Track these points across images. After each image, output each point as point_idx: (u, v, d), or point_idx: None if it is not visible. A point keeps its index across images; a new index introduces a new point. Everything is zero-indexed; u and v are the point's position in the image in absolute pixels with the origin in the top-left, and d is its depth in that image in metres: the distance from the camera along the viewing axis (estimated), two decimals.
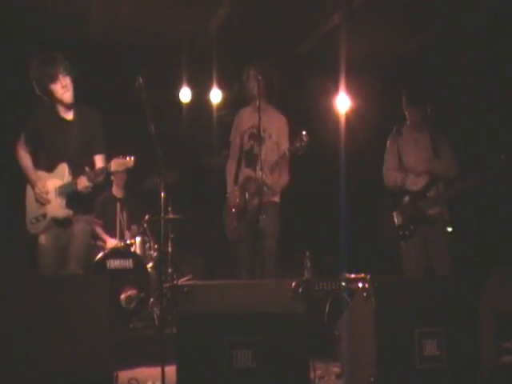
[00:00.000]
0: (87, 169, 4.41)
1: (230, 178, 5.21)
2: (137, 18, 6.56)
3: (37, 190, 4.44)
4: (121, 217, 6.59)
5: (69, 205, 4.46)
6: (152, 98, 4.08)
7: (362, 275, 4.39)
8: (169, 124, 6.93)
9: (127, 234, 6.61)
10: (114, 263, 5.95)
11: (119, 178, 6.87)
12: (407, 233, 4.95)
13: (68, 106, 4.53)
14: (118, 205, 6.52)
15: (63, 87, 4.40)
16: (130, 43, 7.06)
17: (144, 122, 4.07)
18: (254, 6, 6.31)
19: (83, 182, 4.35)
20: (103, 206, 6.74)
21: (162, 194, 4.22)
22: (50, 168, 4.51)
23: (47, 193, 4.44)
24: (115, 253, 6.04)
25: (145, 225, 6.45)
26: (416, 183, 5.01)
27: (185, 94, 7.27)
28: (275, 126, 5.03)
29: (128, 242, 6.31)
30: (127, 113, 6.89)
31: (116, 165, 4.34)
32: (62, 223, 4.48)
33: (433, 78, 6.45)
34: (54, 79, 4.37)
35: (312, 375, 3.40)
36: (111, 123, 4.68)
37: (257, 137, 4.79)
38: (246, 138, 5.13)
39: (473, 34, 6.23)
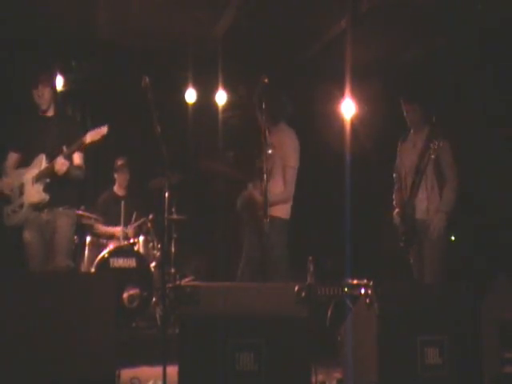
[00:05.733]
0: (64, 148, 4.51)
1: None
2: (143, 19, 6.56)
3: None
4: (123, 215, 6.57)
5: (46, 190, 4.56)
6: (158, 99, 4.10)
7: (365, 281, 4.39)
8: (174, 125, 6.94)
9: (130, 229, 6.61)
10: (118, 262, 5.97)
11: (122, 177, 6.88)
12: (403, 244, 4.94)
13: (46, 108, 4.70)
14: (123, 203, 6.51)
15: (39, 96, 4.61)
16: (136, 44, 7.07)
17: (149, 123, 4.08)
18: (260, 10, 6.31)
19: (60, 160, 4.45)
20: (105, 204, 6.75)
21: (167, 195, 4.23)
22: (28, 163, 4.63)
23: (12, 190, 4.57)
24: (118, 251, 6.05)
25: (148, 224, 6.46)
26: (408, 191, 4.97)
27: (190, 96, 7.28)
28: (282, 143, 5.01)
29: (131, 241, 6.32)
30: (133, 113, 6.93)
31: (91, 136, 4.48)
32: (40, 209, 4.56)
33: (438, 84, 6.46)
34: (34, 85, 4.60)
35: (313, 380, 3.40)
36: (117, 123, 4.71)
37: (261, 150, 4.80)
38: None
39: (477, 40, 6.24)
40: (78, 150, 4.58)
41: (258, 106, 4.81)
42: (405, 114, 5.06)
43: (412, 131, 5.12)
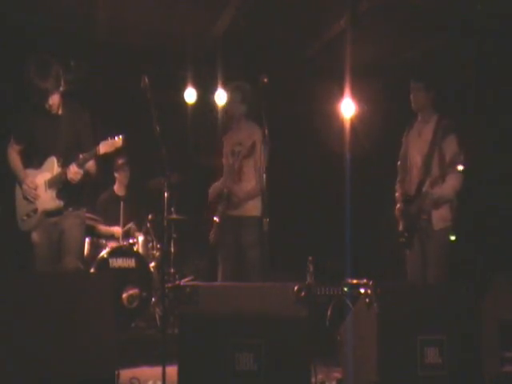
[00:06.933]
0: (81, 155, 4.40)
1: (212, 191, 5.47)
2: (143, 19, 6.57)
3: (25, 187, 4.45)
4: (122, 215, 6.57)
5: (60, 196, 4.47)
6: (157, 98, 4.10)
7: (365, 281, 4.38)
8: (173, 124, 6.93)
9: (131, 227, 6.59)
10: (117, 262, 5.96)
11: (123, 176, 6.87)
12: (404, 240, 4.85)
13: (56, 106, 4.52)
14: (122, 203, 6.50)
15: (50, 103, 4.39)
16: (135, 43, 7.07)
17: (149, 122, 4.08)
18: (259, 9, 6.32)
19: (73, 169, 4.34)
20: (105, 204, 6.74)
21: (166, 194, 4.23)
22: (39, 164, 4.51)
23: (36, 188, 4.45)
24: (118, 251, 6.04)
25: (148, 224, 6.45)
26: (413, 186, 4.86)
27: (190, 95, 7.27)
28: (251, 139, 5.13)
29: (131, 241, 6.31)
30: (132, 113, 6.92)
31: (105, 147, 4.35)
32: (54, 215, 4.49)
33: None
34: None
35: (313, 380, 3.40)
36: (116, 123, 4.68)
37: (234, 152, 5.23)
38: (229, 156, 5.35)
39: (476, 39, 6.24)
40: (92, 159, 4.45)
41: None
42: (411, 95, 4.88)
43: (419, 119, 4.95)
